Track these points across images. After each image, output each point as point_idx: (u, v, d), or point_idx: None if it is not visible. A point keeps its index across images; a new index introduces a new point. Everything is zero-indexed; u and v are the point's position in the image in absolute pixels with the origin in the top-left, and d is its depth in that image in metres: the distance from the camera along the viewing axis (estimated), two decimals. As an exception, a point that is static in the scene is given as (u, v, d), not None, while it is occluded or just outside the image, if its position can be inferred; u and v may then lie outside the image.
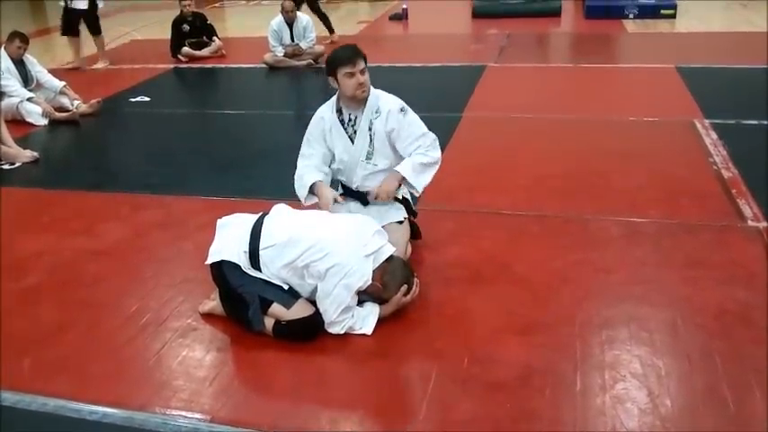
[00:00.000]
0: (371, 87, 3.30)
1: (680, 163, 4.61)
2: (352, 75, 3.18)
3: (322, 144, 3.42)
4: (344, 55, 3.22)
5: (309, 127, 3.46)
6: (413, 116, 3.34)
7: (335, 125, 3.36)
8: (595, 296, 3.10)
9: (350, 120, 3.35)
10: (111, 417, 2.47)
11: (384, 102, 3.32)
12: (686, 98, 6.05)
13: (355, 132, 3.34)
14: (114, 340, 2.93)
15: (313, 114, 3.46)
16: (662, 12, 10.14)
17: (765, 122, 5.29)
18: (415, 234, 3.52)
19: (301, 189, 3.44)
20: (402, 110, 3.31)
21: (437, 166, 3.39)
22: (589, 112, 5.86)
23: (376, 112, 3.30)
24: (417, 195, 3.48)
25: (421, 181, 3.34)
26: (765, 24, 9.21)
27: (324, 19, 9.40)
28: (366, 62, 3.23)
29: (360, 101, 3.28)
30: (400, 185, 3.38)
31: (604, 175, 4.44)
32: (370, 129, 3.31)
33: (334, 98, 3.40)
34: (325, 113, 3.40)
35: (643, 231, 3.66)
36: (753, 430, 2.28)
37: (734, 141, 4.88)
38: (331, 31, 9.40)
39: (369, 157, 3.34)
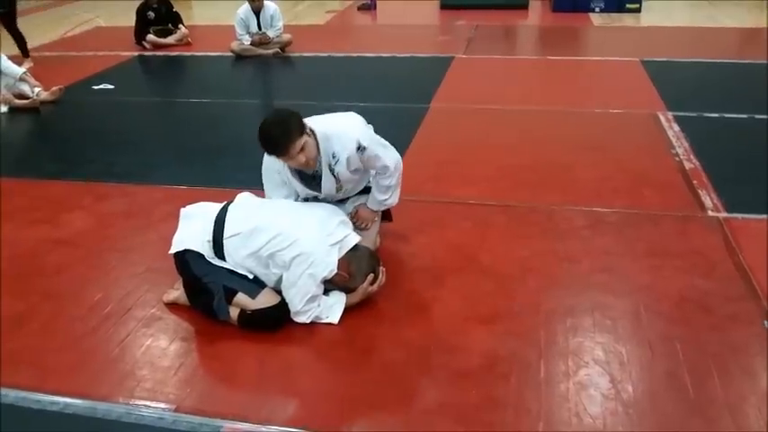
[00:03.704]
0: (316, 130, 2.93)
1: (643, 154, 4.68)
2: (290, 158, 2.85)
3: (283, 188, 3.19)
4: (269, 148, 2.85)
5: (264, 178, 3.23)
6: (371, 149, 3.03)
7: (294, 176, 3.11)
8: (560, 285, 3.14)
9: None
10: (73, 407, 2.44)
11: (338, 145, 2.97)
12: (650, 91, 6.14)
13: (316, 175, 3.07)
14: (77, 330, 2.89)
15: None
16: (627, 6, 10.28)
17: (726, 115, 5.40)
18: (386, 216, 3.48)
19: None
20: (359, 148, 2.99)
21: (399, 182, 3.26)
22: (555, 103, 5.91)
23: (333, 157, 3.00)
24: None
25: (390, 203, 3.30)
26: (727, 20, 9.38)
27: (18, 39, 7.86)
28: (302, 134, 2.79)
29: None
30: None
31: (569, 165, 4.49)
32: (332, 173, 3.05)
33: None
34: (279, 167, 3.10)
35: (607, 221, 3.71)
36: (711, 414, 2.33)
37: (695, 133, 4.97)
38: (25, 54, 7.87)
39: (338, 190, 3.16)
